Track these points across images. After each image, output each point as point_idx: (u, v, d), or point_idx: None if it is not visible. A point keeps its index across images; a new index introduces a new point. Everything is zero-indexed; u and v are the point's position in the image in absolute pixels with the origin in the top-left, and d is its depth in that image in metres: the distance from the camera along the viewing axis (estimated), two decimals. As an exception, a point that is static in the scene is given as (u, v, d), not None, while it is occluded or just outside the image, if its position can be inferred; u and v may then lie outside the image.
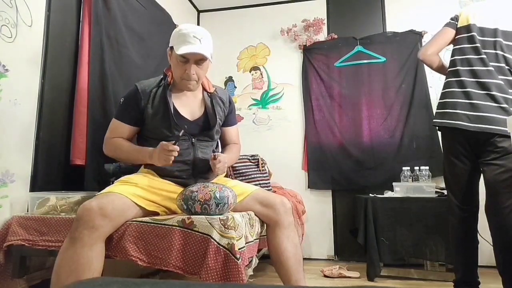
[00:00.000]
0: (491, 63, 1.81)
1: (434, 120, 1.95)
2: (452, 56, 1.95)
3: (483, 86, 1.79)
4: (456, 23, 1.97)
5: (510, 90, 1.77)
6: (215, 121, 1.67)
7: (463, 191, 1.89)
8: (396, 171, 2.82)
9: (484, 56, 1.82)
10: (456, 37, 1.96)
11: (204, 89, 1.73)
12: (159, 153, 1.44)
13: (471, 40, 1.88)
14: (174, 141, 1.45)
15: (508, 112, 1.73)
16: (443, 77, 2.02)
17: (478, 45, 1.85)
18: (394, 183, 2.69)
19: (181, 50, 1.50)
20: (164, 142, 1.45)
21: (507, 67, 1.80)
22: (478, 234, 2.00)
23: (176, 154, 1.44)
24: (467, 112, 1.79)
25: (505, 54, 1.81)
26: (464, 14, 1.96)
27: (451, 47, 2.03)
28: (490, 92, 1.77)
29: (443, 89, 1.96)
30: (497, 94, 1.76)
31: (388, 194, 2.67)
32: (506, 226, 1.72)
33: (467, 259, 1.89)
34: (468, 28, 1.90)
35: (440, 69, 2.02)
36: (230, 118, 1.82)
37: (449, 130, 1.88)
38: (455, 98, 1.84)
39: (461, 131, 1.80)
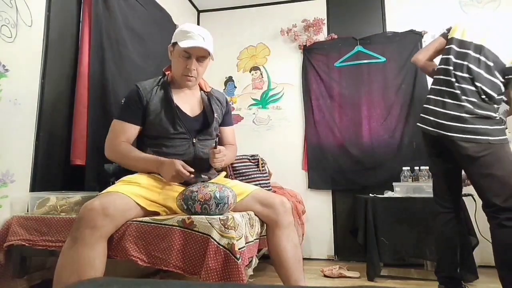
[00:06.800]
0: (456, 72, 1.90)
1: (417, 124, 2.08)
2: (438, 65, 2.06)
3: (448, 94, 1.90)
4: (448, 33, 2.06)
5: (463, 97, 1.85)
6: (213, 117, 1.71)
7: (443, 190, 2.01)
8: (396, 171, 2.82)
9: (450, 67, 1.92)
10: (445, 46, 2.05)
11: (201, 88, 1.79)
12: (174, 174, 1.45)
13: (448, 51, 1.98)
14: (191, 174, 1.46)
15: (465, 121, 1.80)
16: None
17: (450, 56, 1.95)
18: (394, 183, 2.69)
19: (185, 43, 1.55)
20: (178, 164, 1.44)
21: (469, 76, 1.87)
22: (478, 234, 2.00)
23: (186, 178, 1.46)
24: (432, 119, 1.92)
25: (470, 65, 1.87)
26: (454, 26, 2.05)
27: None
28: (445, 100, 1.89)
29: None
30: (450, 101, 1.87)
31: (388, 194, 2.67)
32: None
33: (449, 258, 1.96)
34: (451, 40, 2.00)
35: (432, 74, 2.11)
36: (227, 119, 1.85)
37: (422, 132, 2.03)
38: (429, 105, 1.97)
39: (427, 135, 1.96)
